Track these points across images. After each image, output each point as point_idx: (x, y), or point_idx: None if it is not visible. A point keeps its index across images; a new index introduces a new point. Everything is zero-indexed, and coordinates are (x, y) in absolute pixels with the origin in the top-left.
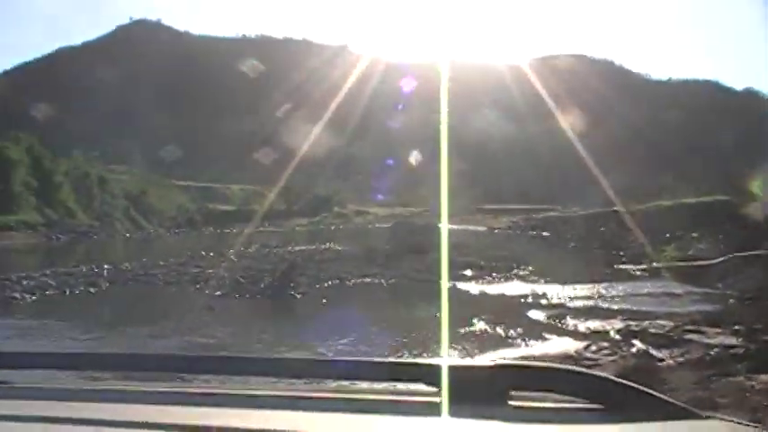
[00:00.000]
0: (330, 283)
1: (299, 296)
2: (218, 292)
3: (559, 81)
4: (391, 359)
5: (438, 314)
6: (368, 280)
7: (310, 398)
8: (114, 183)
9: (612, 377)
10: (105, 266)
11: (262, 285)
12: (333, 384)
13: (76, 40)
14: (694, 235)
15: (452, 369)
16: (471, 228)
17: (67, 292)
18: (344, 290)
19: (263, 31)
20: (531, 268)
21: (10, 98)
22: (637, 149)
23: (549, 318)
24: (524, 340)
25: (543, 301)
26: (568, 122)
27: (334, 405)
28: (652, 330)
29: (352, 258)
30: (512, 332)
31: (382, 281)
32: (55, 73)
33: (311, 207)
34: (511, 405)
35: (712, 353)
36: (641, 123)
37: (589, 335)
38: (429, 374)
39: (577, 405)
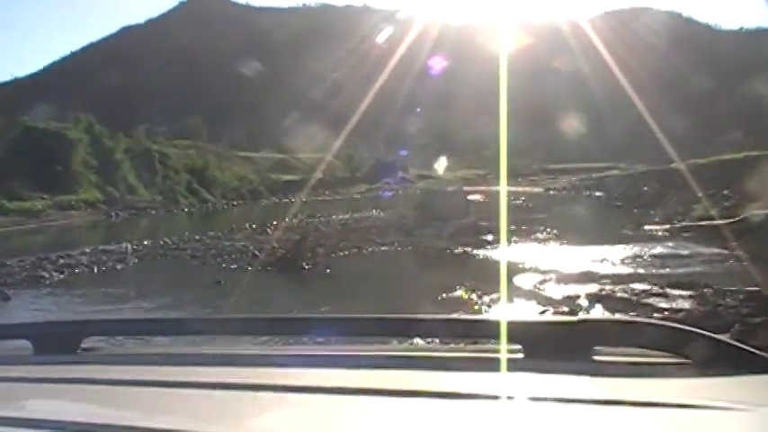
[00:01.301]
0: (347, 252)
1: (307, 267)
2: (234, 266)
3: (622, 36)
4: (468, 316)
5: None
6: (384, 248)
7: (383, 356)
8: (177, 157)
9: (699, 330)
10: (145, 242)
11: (275, 257)
12: (405, 342)
13: (140, 18)
14: (725, 192)
15: (533, 325)
16: (525, 189)
17: (96, 270)
18: (357, 259)
19: None
20: (555, 232)
21: (77, 78)
22: (704, 105)
23: (532, 284)
24: (489, 306)
25: (540, 266)
26: (631, 79)
27: (409, 363)
28: (619, 295)
29: (385, 226)
30: (485, 299)
31: (399, 248)
32: (120, 52)
33: (374, 173)
34: (595, 360)
35: (654, 317)
36: (709, 78)
37: (557, 300)
38: (509, 331)
39: (663, 359)
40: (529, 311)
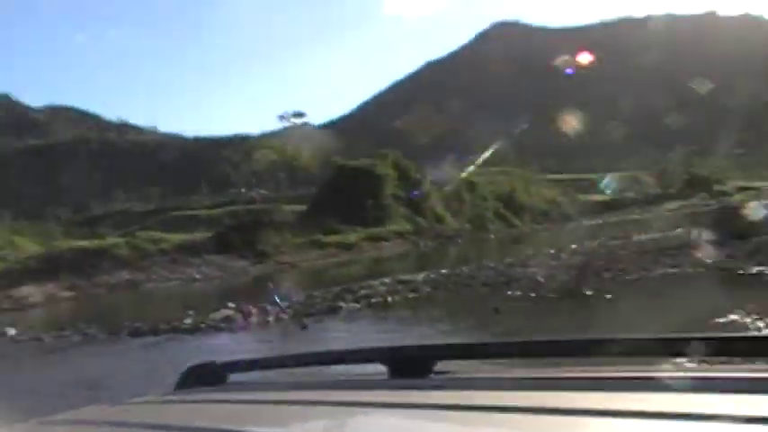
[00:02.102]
0: (636, 276)
1: (588, 293)
2: (519, 293)
3: None
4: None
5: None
6: (672, 271)
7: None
8: (483, 185)
9: None
10: (442, 271)
11: (558, 284)
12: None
13: (442, 52)
14: None
15: None
16: None
17: (389, 300)
18: (643, 283)
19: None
20: None
21: (386, 115)
22: None
23: None
24: (758, 331)
25: None
26: None
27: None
28: None
29: (679, 245)
30: (759, 323)
31: (688, 270)
32: (422, 85)
33: (688, 188)
34: None
35: None
36: None
37: None
38: None
39: None
40: None
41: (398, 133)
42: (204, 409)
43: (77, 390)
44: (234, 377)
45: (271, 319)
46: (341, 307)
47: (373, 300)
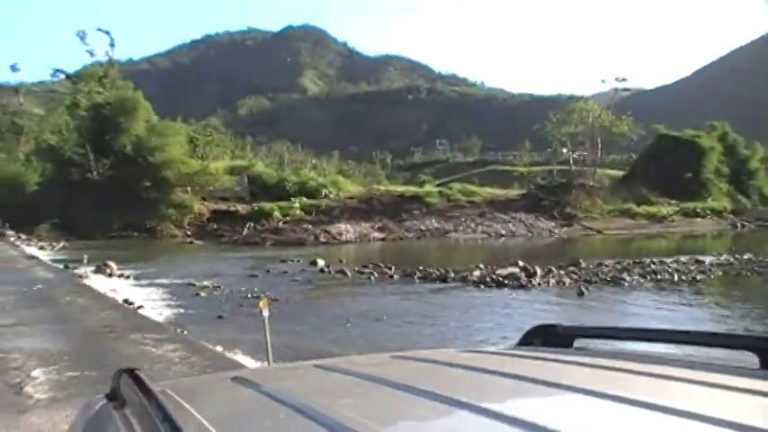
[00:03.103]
0: None
1: None
2: None
3: None
4: None
5: None
6: None
7: None
8: None
9: None
10: (745, 255)
11: None
12: None
13: None
14: None
15: None
16: None
17: (675, 278)
18: None
19: None
20: None
21: (720, 85)
22: None
23: None
24: None
25: None
26: None
27: None
28: None
29: None
30: None
31: None
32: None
33: None
34: None
35: None
36: None
37: None
38: None
39: None
40: None
41: (731, 104)
42: (555, 368)
43: (362, 320)
44: (578, 342)
45: (552, 281)
46: (624, 279)
47: (659, 276)
